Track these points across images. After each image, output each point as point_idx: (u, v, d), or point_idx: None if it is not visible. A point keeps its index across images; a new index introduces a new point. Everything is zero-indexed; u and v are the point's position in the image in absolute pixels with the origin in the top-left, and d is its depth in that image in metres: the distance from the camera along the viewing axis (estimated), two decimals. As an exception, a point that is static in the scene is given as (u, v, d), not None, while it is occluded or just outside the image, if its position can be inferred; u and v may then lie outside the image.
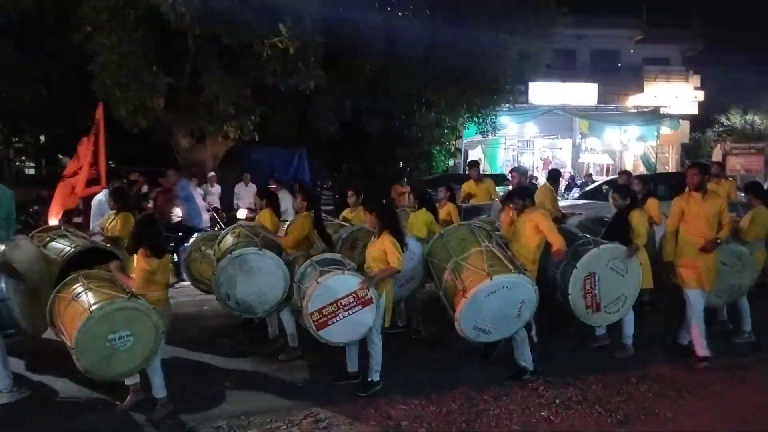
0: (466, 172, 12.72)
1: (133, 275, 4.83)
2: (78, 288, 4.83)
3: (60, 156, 19.86)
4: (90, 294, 4.70)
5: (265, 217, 6.60)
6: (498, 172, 23.18)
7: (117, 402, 4.90)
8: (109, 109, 10.58)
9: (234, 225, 6.58)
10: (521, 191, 6.13)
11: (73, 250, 5.97)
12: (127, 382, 4.85)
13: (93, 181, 8.48)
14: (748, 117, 30.48)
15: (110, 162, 18.31)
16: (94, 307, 4.46)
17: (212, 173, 13.01)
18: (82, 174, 8.37)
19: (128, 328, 4.52)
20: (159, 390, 4.80)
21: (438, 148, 18.55)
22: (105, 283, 4.92)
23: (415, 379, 5.45)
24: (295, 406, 4.92)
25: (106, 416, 4.80)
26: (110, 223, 6.64)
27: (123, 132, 11.25)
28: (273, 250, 6.00)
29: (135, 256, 4.83)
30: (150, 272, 4.75)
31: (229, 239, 6.32)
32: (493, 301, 5.04)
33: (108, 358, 4.51)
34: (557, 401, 4.94)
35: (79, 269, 5.23)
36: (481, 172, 10.73)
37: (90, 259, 5.77)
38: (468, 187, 9.57)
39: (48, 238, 6.27)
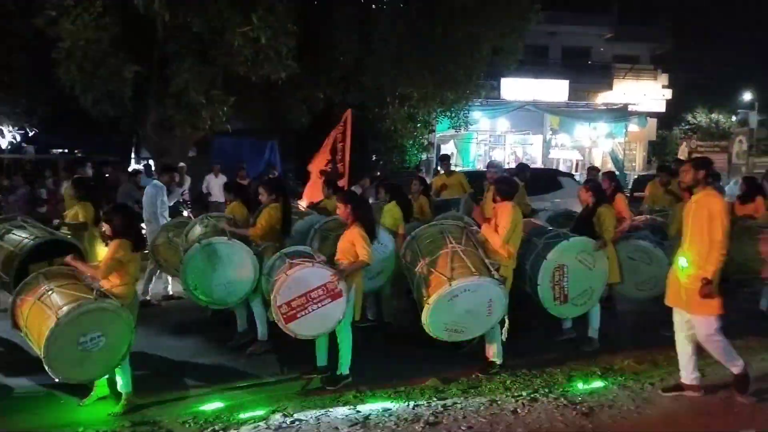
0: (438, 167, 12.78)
1: (98, 264, 4.72)
2: (41, 288, 4.67)
3: (24, 145, 19.34)
4: (56, 296, 4.55)
5: (236, 209, 6.53)
6: (470, 166, 23.37)
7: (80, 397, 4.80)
8: (75, 97, 10.34)
9: (203, 216, 6.48)
10: (504, 180, 6.02)
11: (32, 242, 5.80)
12: (122, 389, 4.73)
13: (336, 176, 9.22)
14: (713, 116, 31.29)
15: (76, 151, 17.99)
16: (60, 313, 4.31)
17: (182, 164, 12.79)
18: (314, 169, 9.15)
19: (99, 328, 4.41)
20: (125, 384, 4.71)
21: (411, 141, 18.55)
22: (68, 281, 4.77)
23: (384, 372, 5.45)
24: (263, 400, 4.87)
25: (67, 412, 4.69)
26: (71, 212, 6.49)
27: (89, 120, 10.99)
28: (242, 240, 5.93)
29: (106, 245, 4.72)
30: (121, 263, 4.64)
31: (197, 229, 6.23)
32: (458, 304, 5.06)
33: (81, 362, 4.41)
34: (524, 394, 4.98)
35: (39, 261, 5.09)
36: (451, 166, 10.79)
37: (50, 251, 5.63)
38: (440, 180, 9.59)
39: (4, 230, 6.08)
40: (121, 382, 4.70)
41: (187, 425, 4.45)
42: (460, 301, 5.06)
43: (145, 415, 4.61)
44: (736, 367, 4.71)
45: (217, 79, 11.41)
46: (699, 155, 25.50)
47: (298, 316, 4.86)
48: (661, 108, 27.31)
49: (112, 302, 4.50)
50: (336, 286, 4.90)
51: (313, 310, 4.88)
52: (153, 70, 11.54)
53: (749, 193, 8.56)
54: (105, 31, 10.21)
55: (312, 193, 9.49)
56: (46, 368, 4.32)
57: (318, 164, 9.63)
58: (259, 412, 4.62)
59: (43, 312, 4.46)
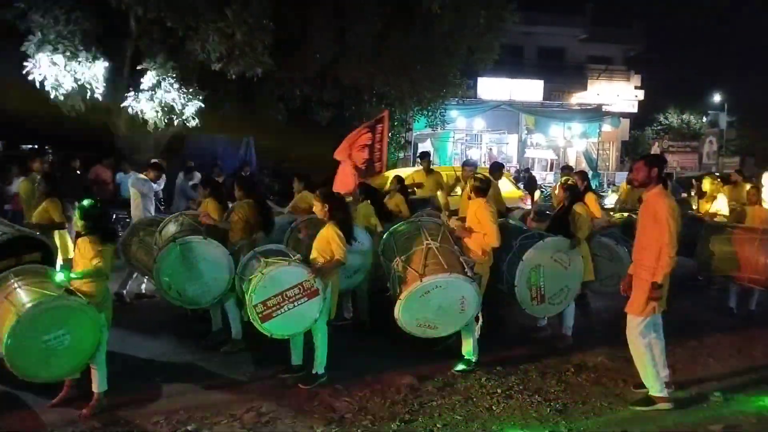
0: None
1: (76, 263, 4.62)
2: (11, 286, 4.56)
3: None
4: (21, 293, 4.45)
5: (210, 206, 6.46)
6: (446, 164, 23.46)
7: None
8: (46, 91, 10.11)
9: (177, 213, 6.39)
10: (480, 178, 6.02)
11: (-1, 238, 5.65)
12: (95, 389, 4.63)
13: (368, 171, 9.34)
14: (685, 117, 31.91)
15: (46, 146, 17.58)
16: (23, 310, 4.21)
17: (155, 161, 12.60)
18: (347, 164, 9.11)
19: (63, 326, 4.31)
20: (100, 384, 4.61)
21: (388, 140, 18.56)
22: (37, 278, 4.65)
23: (360, 371, 5.43)
24: (237, 400, 4.82)
25: (34, 413, 4.58)
26: (38, 208, 6.36)
27: (59, 115, 10.76)
28: (218, 240, 5.86)
29: (78, 242, 4.62)
30: (97, 260, 4.55)
31: (171, 227, 6.13)
32: (430, 300, 5.08)
33: (46, 360, 4.30)
34: (499, 391, 5.03)
35: (8, 258, 4.97)
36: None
37: (19, 248, 5.51)
38: (418, 176, 9.58)
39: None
40: (97, 381, 4.60)
41: (159, 425, 4.39)
42: (431, 297, 5.08)
43: (117, 416, 4.53)
44: (649, 383, 4.70)
45: (190, 75, 11.28)
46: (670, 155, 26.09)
47: (274, 315, 4.82)
48: (634, 108, 27.78)
49: (77, 299, 4.40)
50: (312, 284, 4.87)
51: (289, 309, 4.84)
52: (126, 64, 11.35)
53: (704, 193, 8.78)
54: (77, 24, 10.02)
55: (342, 182, 9.24)
56: (8, 366, 4.21)
57: (341, 153, 9.59)
58: (234, 412, 4.58)
59: (9, 309, 4.35)
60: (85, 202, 4.72)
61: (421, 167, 9.89)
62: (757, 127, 30.16)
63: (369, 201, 6.83)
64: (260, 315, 4.78)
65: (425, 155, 10.39)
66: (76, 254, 4.69)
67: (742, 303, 7.40)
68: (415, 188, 9.27)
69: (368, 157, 9.50)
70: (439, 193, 9.18)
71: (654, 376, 4.69)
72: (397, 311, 5.09)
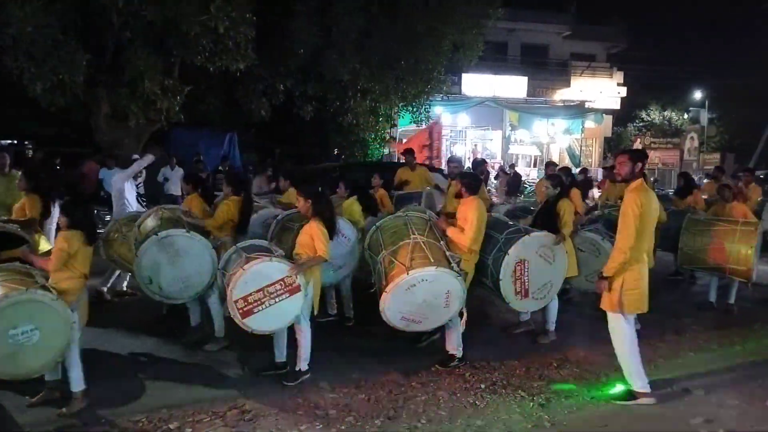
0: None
1: (49, 258, 4.54)
2: None
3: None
4: None
5: (193, 202, 6.39)
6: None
7: (28, 397, 4.61)
8: (24, 86, 9.94)
9: (156, 207, 6.32)
10: (469, 175, 6.01)
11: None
12: (48, 377, 4.56)
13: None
14: (666, 113, 32.24)
15: (26, 142, 17.32)
16: None
17: (136, 156, 12.45)
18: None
19: (32, 321, 4.21)
20: (76, 383, 4.54)
21: (373, 136, 18.53)
22: (13, 275, 4.55)
23: (344, 367, 5.42)
24: (220, 397, 4.78)
25: (12, 412, 4.50)
26: (17, 204, 6.25)
27: (39, 110, 10.59)
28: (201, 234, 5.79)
29: (58, 238, 4.55)
30: (70, 255, 4.48)
31: (150, 222, 6.04)
32: (416, 294, 5.07)
33: (13, 356, 4.19)
34: (483, 386, 5.04)
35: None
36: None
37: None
38: (403, 173, 9.58)
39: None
40: (73, 381, 4.54)
41: (140, 424, 4.34)
42: (417, 290, 5.06)
43: (98, 414, 4.47)
44: (633, 383, 4.71)
45: (173, 69, 11.16)
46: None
47: (255, 311, 4.78)
48: (616, 105, 27.97)
49: (47, 294, 4.30)
50: (294, 280, 4.84)
51: (271, 304, 4.80)
52: (106, 58, 11.19)
53: (686, 188, 8.87)
54: (56, 16, 9.84)
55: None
56: None
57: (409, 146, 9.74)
58: (216, 409, 4.53)
59: None
60: (70, 200, 4.66)
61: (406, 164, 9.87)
62: (737, 124, 30.59)
63: (355, 197, 6.79)
64: (241, 310, 4.74)
65: (409, 151, 10.37)
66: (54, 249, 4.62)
67: (721, 297, 7.50)
68: (403, 185, 9.26)
69: (428, 154, 9.74)
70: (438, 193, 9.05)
71: (635, 371, 4.72)
72: (383, 304, 5.06)
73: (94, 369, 5.07)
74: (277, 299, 4.81)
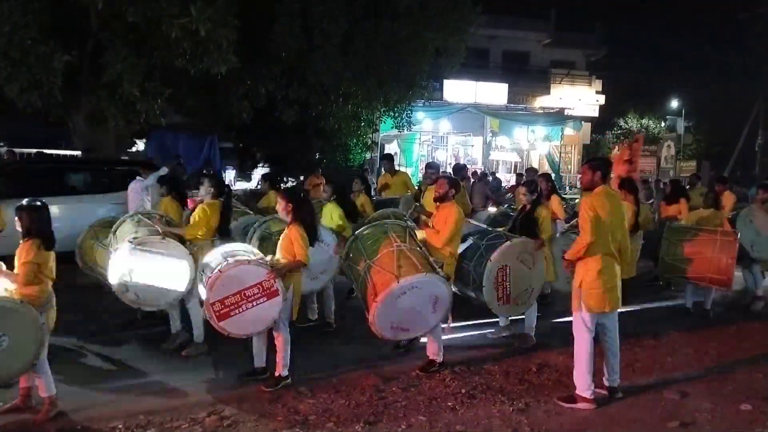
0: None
1: (16, 273, 4.36)
2: None
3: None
4: None
5: (169, 205, 6.33)
6: (413, 167, 23.56)
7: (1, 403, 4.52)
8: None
9: (133, 212, 6.24)
10: (449, 180, 6.01)
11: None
12: (43, 394, 4.43)
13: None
14: (644, 121, 32.70)
15: (1, 143, 17.04)
16: None
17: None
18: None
19: (0, 327, 4.14)
20: (48, 388, 4.45)
21: (355, 140, 18.53)
22: None
23: (325, 372, 5.40)
24: (198, 403, 4.73)
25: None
26: None
27: (16, 111, 10.40)
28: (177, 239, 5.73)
29: (20, 247, 4.41)
30: (39, 266, 4.36)
31: (127, 227, 5.97)
32: (405, 301, 5.07)
33: None
34: (463, 391, 5.05)
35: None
36: (395, 166, 10.82)
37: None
38: (384, 179, 9.62)
39: None
40: (44, 386, 4.44)
41: (117, 430, 4.27)
42: (407, 298, 5.07)
43: (73, 420, 4.39)
44: (578, 385, 4.79)
45: (153, 71, 11.03)
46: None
47: (232, 314, 4.74)
48: (595, 113, 28.31)
49: (14, 300, 4.22)
50: (272, 284, 4.81)
51: (248, 308, 4.77)
52: (85, 59, 11.04)
53: (674, 195, 9.00)
54: (33, 16, 9.69)
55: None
56: None
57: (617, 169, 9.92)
58: (195, 416, 4.49)
59: None
60: (25, 203, 4.49)
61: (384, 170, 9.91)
62: (713, 132, 31.14)
63: (336, 202, 6.77)
64: (217, 313, 4.71)
65: (388, 157, 10.39)
66: (16, 258, 4.42)
67: (697, 302, 7.61)
68: (382, 191, 9.29)
69: (628, 168, 9.87)
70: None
71: (582, 374, 4.77)
72: (373, 315, 5.04)
73: (70, 374, 5.01)
74: (254, 303, 4.78)
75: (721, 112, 30.03)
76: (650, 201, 10.63)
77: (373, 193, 9.57)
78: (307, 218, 5.13)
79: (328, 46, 13.56)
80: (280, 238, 5.16)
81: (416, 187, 9.39)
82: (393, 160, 10.33)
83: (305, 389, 5.00)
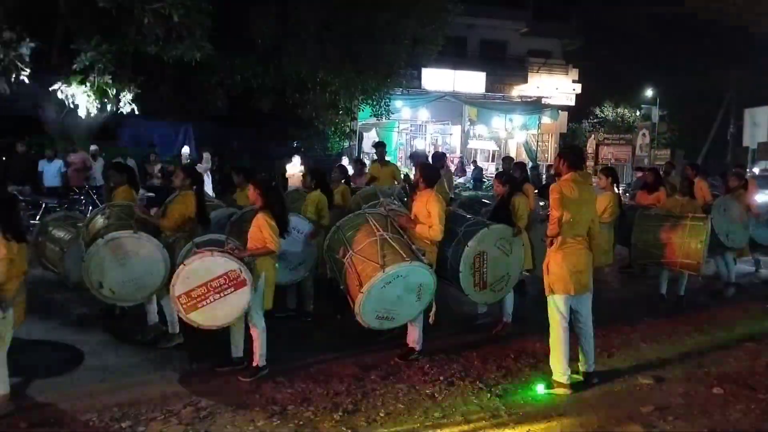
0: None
1: None
2: None
3: None
4: None
5: (124, 193, 6.25)
6: (392, 155, 23.52)
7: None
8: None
9: (105, 205, 6.11)
10: (428, 168, 6.01)
11: None
12: None
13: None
14: (619, 110, 33.06)
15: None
16: None
17: (95, 147, 12.06)
18: None
19: None
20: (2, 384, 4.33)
21: (333, 129, 18.43)
22: None
23: (303, 362, 5.37)
24: (174, 394, 4.66)
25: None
26: None
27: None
28: (150, 232, 5.60)
29: None
30: (10, 259, 4.24)
31: (99, 221, 5.84)
32: (390, 291, 5.06)
33: None
34: (441, 378, 5.07)
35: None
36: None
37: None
38: (374, 169, 9.49)
39: None
40: None
41: (91, 423, 4.19)
42: (392, 287, 5.05)
43: (46, 414, 4.30)
44: (554, 370, 4.86)
45: (125, 58, 10.81)
46: (606, 146, 26.99)
47: (200, 305, 4.70)
48: (572, 102, 28.54)
49: None
50: (239, 274, 4.76)
51: (216, 299, 4.73)
52: (55, 46, 10.77)
53: (654, 184, 9.08)
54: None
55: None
56: None
57: None
58: (171, 407, 4.43)
59: None
60: None
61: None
62: (686, 121, 31.58)
63: (320, 189, 6.70)
64: (184, 306, 4.68)
65: (380, 145, 10.14)
66: None
67: (671, 289, 7.73)
68: (372, 181, 9.17)
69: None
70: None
71: (557, 359, 4.85)
72: (359, 305, 5.01)
73: (42, 366, 4.90)
74: (221, 294, 4.74)
75: (695, 101, 30.45)
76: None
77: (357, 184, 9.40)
78: (275, 207, 5.07)
79: (305, 34, 13.43)
80: (251, 225, 5.09)
81: (403, 178, 9.30)
82: (384, 149, 10.10)
83: (283, 379, 4.97)
